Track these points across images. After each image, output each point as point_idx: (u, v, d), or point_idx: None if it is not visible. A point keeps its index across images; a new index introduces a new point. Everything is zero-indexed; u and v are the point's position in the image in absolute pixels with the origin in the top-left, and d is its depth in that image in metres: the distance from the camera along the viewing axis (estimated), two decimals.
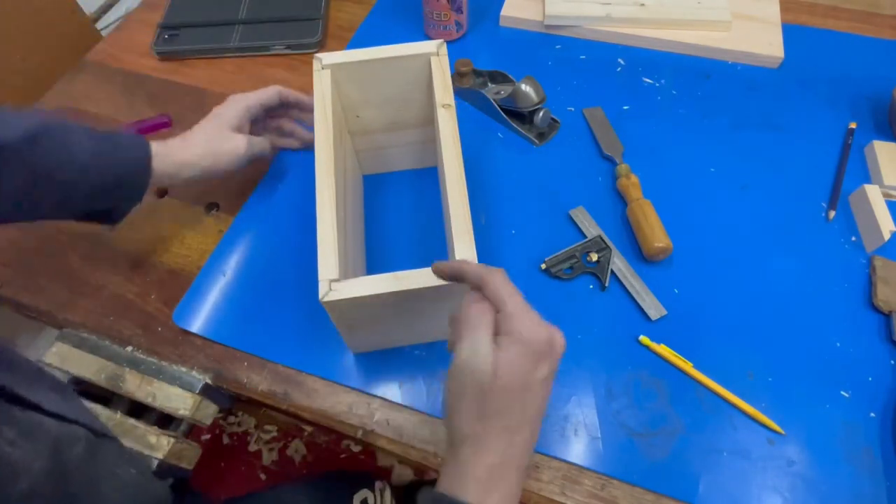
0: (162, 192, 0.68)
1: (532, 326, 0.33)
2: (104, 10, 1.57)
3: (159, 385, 0.54)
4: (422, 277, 0.42)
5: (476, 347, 0.33)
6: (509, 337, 0.33)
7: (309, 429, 1.18)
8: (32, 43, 1.03)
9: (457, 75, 0.71)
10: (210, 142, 0.56)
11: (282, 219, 0.64)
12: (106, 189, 0.51)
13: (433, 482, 0.36)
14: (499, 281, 0.35)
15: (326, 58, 0.53)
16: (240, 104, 0.58)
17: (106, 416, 0.53)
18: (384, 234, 0.62)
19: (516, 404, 0.33)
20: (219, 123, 0.57)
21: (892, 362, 0.53)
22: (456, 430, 0.34)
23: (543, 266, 0.59)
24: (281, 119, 0.66)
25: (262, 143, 0.61)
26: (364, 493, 0.71)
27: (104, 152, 0.50)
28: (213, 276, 0.60)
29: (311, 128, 0.59)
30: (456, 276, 0.38)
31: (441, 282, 0.41)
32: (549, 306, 0.57)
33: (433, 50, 0.53)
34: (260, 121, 0.63)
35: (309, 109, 0.62)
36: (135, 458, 0.50)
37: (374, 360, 0.55)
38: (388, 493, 0.75)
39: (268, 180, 0.67)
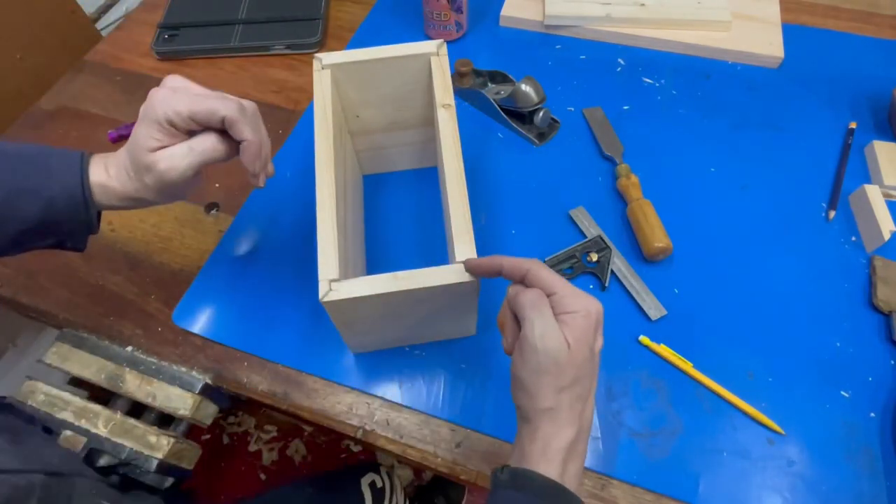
0: None
1: (586, 301, 0.36)
2: (104, 10, 1.56)
3: (159, 385, 0.54)
4: (422, 277, 0.42)
5: (546, 327, 0.35)
6: (572, 314, 0.35)
7: (309, 429, 1.18)
8: (32, 43, 1.03)
9: (457, 75, 0.71)
10: (132, 176, 0.43)
11: (282, 219, 0.64)
12: (22, 233, 0.42)
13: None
14: (541, 268, 0.37)
15: (326, 58, 0.53)
16: (160, 115, 0.39)
17: (106, 416, 0.53)
18: (384, 234, 0.62)
19: (586, 373, 0.36)
20: (136, 145, 0.41)
21: (892, 362, 0.53)
22: (534, 407, 0.36)
23: None
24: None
25: (194, 156, 0.41)
26: (371, 476, 0.70)
27: (26, 189, 0.41)
28: (213, 276, 0.60)
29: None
30: (493, 271, 0.39)
31: (441, 282, 0.41)
32: None
33: (433, 50, 0.53)
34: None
35: (248, 160, 0.42)
36: (104, 488, 0.46)
37: (374, 360, 0.55)
38: (395, 476, 0.75)
39: (267, 180, 0.67)
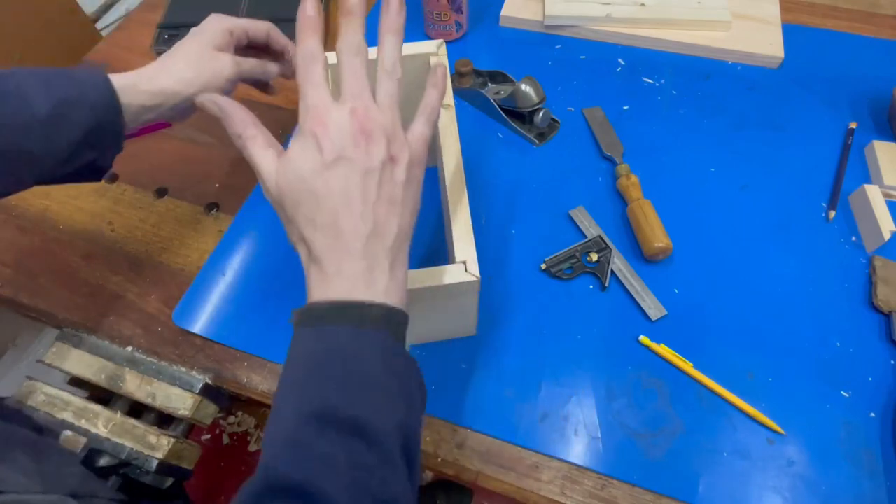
0: (162, 192, 0.68)
1: (321, 114, 0.33)
2: (104, 10, 1.57)
3: (159, 385, 0.54)
4: (422, 277, 0.42)
5: (255, 161, 0.34)
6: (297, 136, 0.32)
7: None
8: (32, 43, 1.03)
9: (457, 75, 0.71)
10: (192, 65, 0.46)
11: None
12: (73, 145, 0.42)
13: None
14: (299, 58, 0.35)
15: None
16: (223, 24, 0.48)
17: (106, 416, 0.53)
18: None
19: (307, 204, 0.33)
20: (200, 41, 0.47)
21: (892, 362, 0.53)
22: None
23: (543, 266, 0.59)
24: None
25: (252, 64, 0.50)
26: None
27: (63, 101, 0.41)
28: (213, 276, 0.60)
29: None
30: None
31: (441, 282, 0.41)
32: (549, 306, 0.57)
33: (433, 50, 0.53)
34: (241, 52, 0.51)
35: (287, 59, 0.53)
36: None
37: None
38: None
39: None
